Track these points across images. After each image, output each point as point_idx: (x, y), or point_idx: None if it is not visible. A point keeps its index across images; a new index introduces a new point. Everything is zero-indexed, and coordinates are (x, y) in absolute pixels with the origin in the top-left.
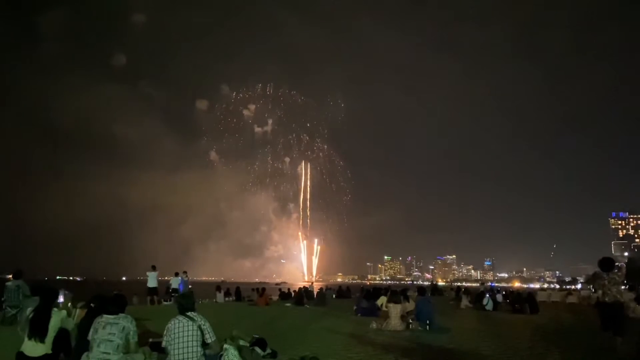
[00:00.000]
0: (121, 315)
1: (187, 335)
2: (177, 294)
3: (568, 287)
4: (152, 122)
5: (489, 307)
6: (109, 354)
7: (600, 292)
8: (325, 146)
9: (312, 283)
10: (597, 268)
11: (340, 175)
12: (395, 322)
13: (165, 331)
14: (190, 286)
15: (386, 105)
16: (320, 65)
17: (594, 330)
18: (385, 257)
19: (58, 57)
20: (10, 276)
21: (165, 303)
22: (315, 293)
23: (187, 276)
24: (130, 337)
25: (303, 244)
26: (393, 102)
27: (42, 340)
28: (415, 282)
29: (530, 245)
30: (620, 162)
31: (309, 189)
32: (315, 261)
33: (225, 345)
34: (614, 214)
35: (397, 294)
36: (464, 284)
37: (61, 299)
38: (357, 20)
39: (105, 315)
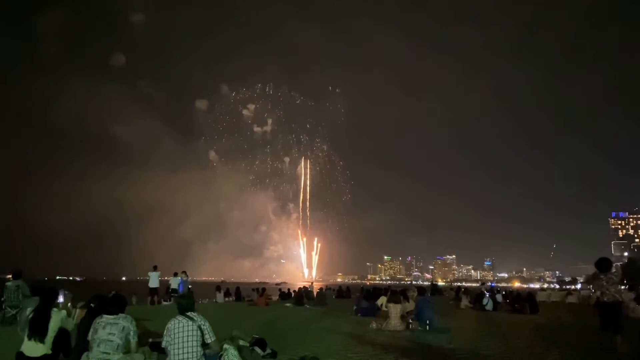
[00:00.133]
0: (121, 315)
1: (187, 335)
2: (176, 294)
3: (568, 287)
4: (152, 122)
5: (489, 307)
6: (108, 354)
7: (598, 292)
8: (325, 146)
9: (312, 283)
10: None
11: (340, 175)
12: (395, 322)
13: (165, 331)
14: (190, 286)
15: (386, 105)
16: (320, 65)
17: (594, 330)
18: (385, 257)
19: (57, 57)
20: (10, 276)
21: (165, 303)
22: (315, 293)
23: (186, 276)
24: (130, 337)
25: (302, 241)
26: (393, 102)
27: (42, 341)
28: (414, 282)
29: (530, 245)
30: (620, 162)
31: (308, 189)
32: (315, 258)
33: (225, 345)
34: (614, 214)
35: (397, 294)
36: (463, 284)
37: (61, 299)
38: (357, 20)
39: (105, 316)
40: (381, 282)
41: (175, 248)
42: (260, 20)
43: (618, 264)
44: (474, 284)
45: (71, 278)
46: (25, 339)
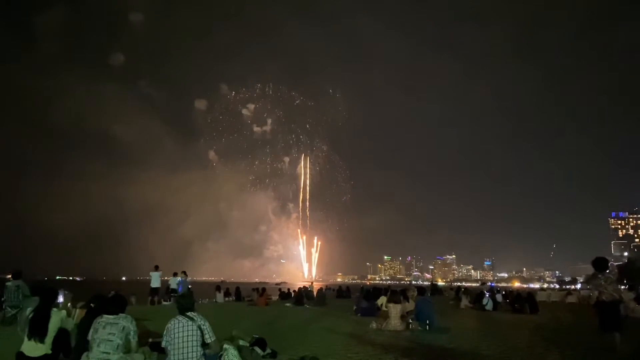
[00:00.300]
0: (121, 315)
1: (187, 335)
2: (175, 294)
3: (568, 287)
4: (152, 122)
5: (489, 307)
6: (108, 353)
7: (596, 292)
8: (325, 146)
9: (312, 283)
10: None
11: (340, 175)
12: (395, 322)
13: (165, 331)
14: (190, 286)
15: (386, 105)
16: (320, 65)
17: (594, 330)
18: (385, 257)
19: (57, 57)
20: (10, 276)
21: (164, 303)
22: (315, 293)
23: (186, 276)
24: (130, 337)
25: (302, 239)
26: (393, 102)
27: (41, 341)
28: (413, 282)
29: (530, 245)
30: (620, 162)
31: (308, 188)
32: (315, 255)
33: (225, 345)
34: (613, 214)
35: (397, 294)
36: (463, 284)
37: (61, 299)
38: (357, 20)
39: (105, 316)
40: (381, 282)
41: (175, 248)
42: (260, 20)
43: (614, 263)
44: (474, 284)
45: (71, 278)
46: (25, 339)
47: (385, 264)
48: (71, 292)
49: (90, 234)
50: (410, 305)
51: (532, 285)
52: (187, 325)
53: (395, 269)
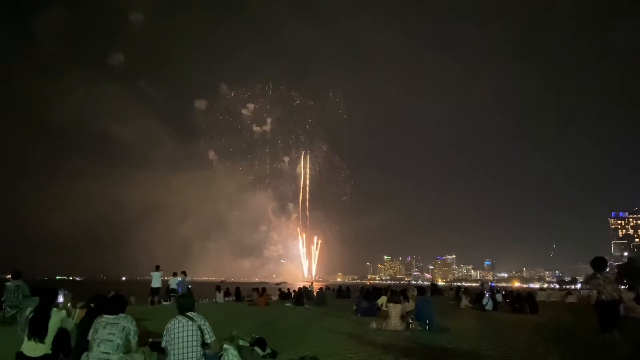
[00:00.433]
0: (121, 315)
1: (187, 335)
2: (175, 294)
3: (568, 287)
4: (152, 121)
5: (489, 307)
6: (108, 353)
7: (595, 291)
8: (325, 146)
9: (312, 283)
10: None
11: (340, 175)
12: (395, 322)
13: (165, 331)
14: (189, 286)
15: (386, 105)
16: (320, 65)
17: (594, 330)
18: (385, 257)
19: (57, 57)
20: (10, 276)
21: (164, 303)
22: (315, 293)
23: (185, 276)
24: (130, 337)
25: (302, 238)
26: (393, 102)
27: (41, 341)
28: (412, 282)
29: (530, 245)
30: (620, 162)
31: (308, 188)
32: (315, 253)
33: (225, 345)
34: (613, 214)
35: (397, 294)
36: (463, 283)
37: (61, 299)
38: (357, 20)
39: (105, 316)
40: (381, 282)
41: (175, 248)
42: (260, 20)
43: (614, 263)
44: (474, 284)
45: (71, 278)
46: (25, 339)
47: (385, 264)
48: (71, 292)
49: (90, 234)
50: (410, 305)
51: (532, 285)
52: (187, 325)
53: (395, 269)
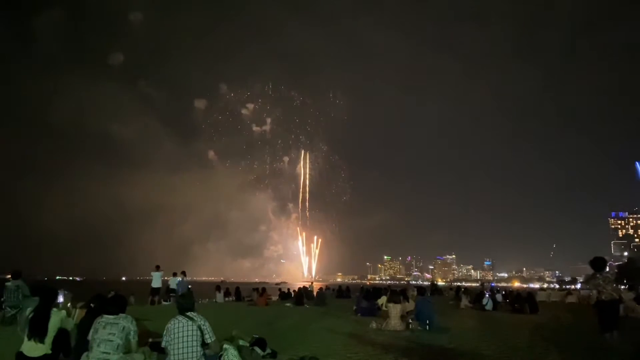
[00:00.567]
0: (121, 315)
1: (187, 335)
2: (174, 294)
3: (568, 287)
4: (151, 121)
5: (489, 307)
6: (108, 353)
7: (595, 291)
8: (325, 146)
9: (312, 283)
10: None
11: (340, 175)
12: (395, 322)
13: (165, 331)
14: (189, 286)
15: (386, 105)
16: (320, 65)
17: (594, 330)
18: (385, 257)
19: (57, 57)
20: (10, 276)
21: (164, 303)
22: (315, 293)
23: (185, 276)
24: (130, 337)
25: (302, 237)
26: (393, 102)
27: (41, 341)
28: (412, 282)
29: (530, 245)
30: (620, 162)
31: (307, 188)
32: (315, 252)
33: (225, 345)
34: (613, 214)
35: (397, 293)
36: (463, 283)
37: (61, 299)
38: (357, 20)
39: (105, 316)
40: (381, 282)
41: (175, 248)
42: (260, 20)
43: (614, 263)
44: (474, 284)
45: (71, 278)
46: (25, 339)
47: (385, 264)
48: (71, 292)
49: (91, 234)
50: (410, 305)
51: (532, 285)
52: (187, 325)
53: (395, 269)
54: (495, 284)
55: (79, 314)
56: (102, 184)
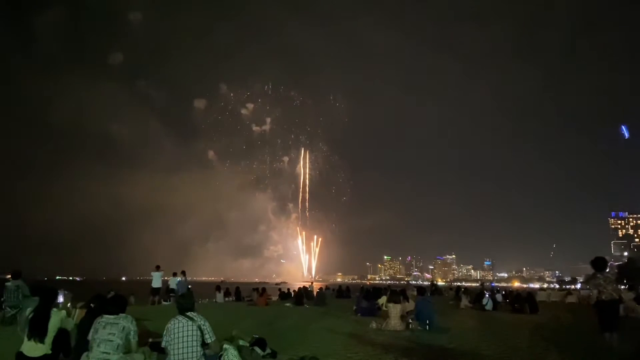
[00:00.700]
0: (121, 315)
1: (187, 336)
2: (174, 294)
3: (568, 287)
4: (151, 121)
5: (489, 307)
6: (108, 353)
7: (596, 291)
8: (324, 146)
9: (312, 283)
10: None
11: (340, 175)
12: (395, 322)
13: (165, 331)
14: (189, 286)
15: (386, 105)
16: (320, 65)
17: (594, 330)
18: (385, 257)
19: (57, 57)
20: (10, 276)
21: (164, 303)
22: (315, 293)
23: (185, 276)
24: (130, 337)
25: (302, 236)
26: (393, 102)
27: (41, 341)
28: (412, 282)
29: (530, 245)
30: (620, 163)
31: (307, 188)
32: (315, 251)
33: (225, 345)
34: (613, 213)
35: (397, 293)
36: (463, 283)
37: (61, 299)
38: (357, 20)
39: (105, 316)
40: (381, 282)
41: (175, 248)
42: (260, 20)
43: (614, 263)
44: (474, 284)
45: (71, 278)
46: (25, 339)
47: (385, 264)
48: (71, 292)
49: (91, 234)
50: (410, 305)
51: (532, 285)
52: (187, 325)
53: (395, 269)
54: (495, 284)
55: (79, 314)
56: (102, 184)
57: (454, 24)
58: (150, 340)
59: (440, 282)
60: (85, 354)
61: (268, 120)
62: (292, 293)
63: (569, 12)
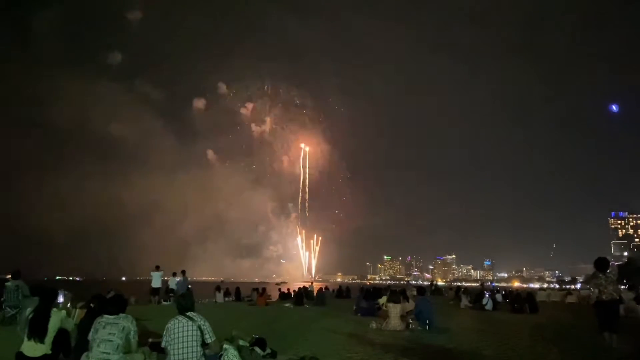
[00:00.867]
0: (121, 315)
1: (187, 336)
2: (174, 294)
3: (568, 287)
4: (150, 121)
5: (489, 307)
6: (108, 353)
7: (596, 290)
8: (324, 146)
9: (312, 283)
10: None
11: (339, 174)
12: (394, 322)
13: (165, 331)
14: (189, 286)
15: (386, 105)
16: (320, 65)
17: (594, 330)
18: (385, 257)
19: (54, 56)
20: (9, 276)
21: (164, 303)
22: (315, 293)
23: (184, 276)
24: (130, 337)
25: (301, 235)
26: (393, 102)
27: (41, 341)
28: (412, 282)
29: (530, 245)
30: (620, 162)
31: (307, 188)
32: (315, 249)
33: (225, 345)
34: (613, 213)
35: (396, 293)
36: (463, 283)
37: (61, 299)
38: (356, 19)
39: (105, 316)
40: (381, 282)
41: (174, 248)
42: (260, 19)
43: (614, 263)
44: (474, 284)
45: (71, 278)
46: (25, 339)
47: (385, 264)
48: (71, 292)
49: (90, 234)
50: (410, 305)
51: (532, 285)
52: (187, 325)
53: (395, 269)
54: (495, 284)
55: (79, 314)
56: (101, 184)
57: (454, 24)
58: (150, 340)
59: (440, 282)
60: (85, 354)
61: (268, 120)
62: (292, 293)
63: (569, 12)
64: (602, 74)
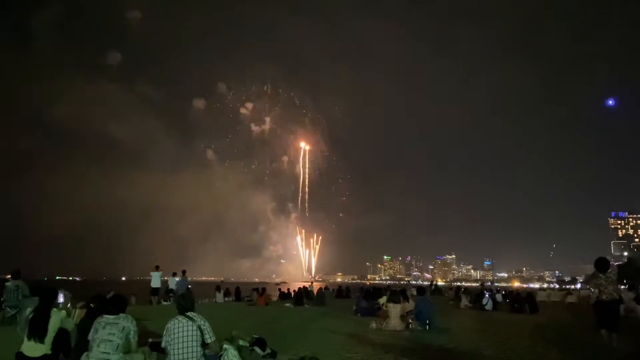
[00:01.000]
0: (121, 315)
1: (187, 336)
2: (173, 294)
3: (568, 286)
4: (150, 121)
5: (489, 307)
6: (108, 353)
7: (596, 290)
8: (324, 146)
9: (312, 283)
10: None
11: (339, 175)
12: (394, 322)
13: (164, 331)
14: (189, 286)
15: (386, 105)
16: (320, 65)
17: (594, 330)
18: (385, 257)
19: (53, 56)
20: (9, 276)
21: (164, 303)
22: (315, 293)
23: (184, 276)
24: (130, 337)
25: (301, 234)
26: (393, 102)
27: (41, 341)
28: (412, 282)
29: (530, 245)
30: (620, 162)
31: (307, 189)
32: (316, 248)
33: (225, 345)
34: (613, 213)
35: (396, 293)
36: (463, 283)
37: (61, 299)
38: (357, 20)
39: (105, 316)
40: (381, 282)
41: (174, 248)
42: (260, 19)
43: (614, 263)
44: (474, 284)
45: (71, 278)
46: (25, 339)
47: (385, 264)
48: (71, 292)
49: (90, 234)
50: (410, 305)
51: (532, 285)
52: (187, 325)
53: (395, 269)
54: (495, 284)
55: (79, 314)
56: (101, 184)
57: (454, 24)
58: (150, 340)
59: (440, 282)
60: (85, 354)
61: (267, 120)
62: (292, 293)
63: (569, 12)
64: (602, 74)
